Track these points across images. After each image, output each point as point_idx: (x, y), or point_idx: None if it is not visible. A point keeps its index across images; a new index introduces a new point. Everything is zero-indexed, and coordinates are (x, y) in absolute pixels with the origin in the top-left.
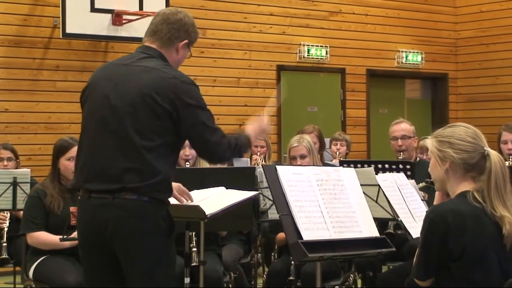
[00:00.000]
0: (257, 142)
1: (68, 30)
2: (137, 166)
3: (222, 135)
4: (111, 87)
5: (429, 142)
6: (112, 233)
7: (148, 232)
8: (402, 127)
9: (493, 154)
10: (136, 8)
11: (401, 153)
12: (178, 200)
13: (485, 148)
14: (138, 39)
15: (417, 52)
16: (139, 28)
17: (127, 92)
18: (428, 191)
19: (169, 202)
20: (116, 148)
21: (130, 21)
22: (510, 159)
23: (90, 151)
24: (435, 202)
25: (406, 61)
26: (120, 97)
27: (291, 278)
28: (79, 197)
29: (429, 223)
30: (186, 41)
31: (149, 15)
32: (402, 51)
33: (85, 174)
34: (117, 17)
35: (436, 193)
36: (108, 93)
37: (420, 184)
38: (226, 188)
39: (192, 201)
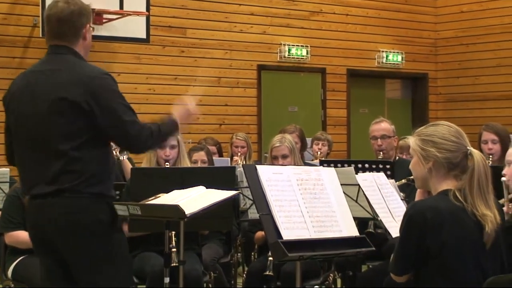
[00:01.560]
0: (238, 143)
1: None
2: (66, 168)
3: (141, 126)
4: (29, 97)
5: (412, 140)
6: (54, 233)
7: (89, 227)
8: (382, 126)
9: (476, 153)
10: (116, 7)
11: (381, 153)
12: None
13: (468, 147)
14: (118, 39)
15: (397, 52)
16: (119, 28)
17: (43, 99)
18: (408, 188)
19: (111, 195)
20: (43, 155)
21: (110, 20)
22: (490, 159)
23: (24, 161)
24: (416, 199)
25: (386, 61)
26: (38, 105)
27: (267, 273)
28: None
29: (408, 218)
30: (88, 24)
31: (130, 14)
32: (383, 51)
33: (25, 184)
34: (97, 16)
35: (418, 190)
36: (27, 103)
37: (399, 181)
38: (206, 188)
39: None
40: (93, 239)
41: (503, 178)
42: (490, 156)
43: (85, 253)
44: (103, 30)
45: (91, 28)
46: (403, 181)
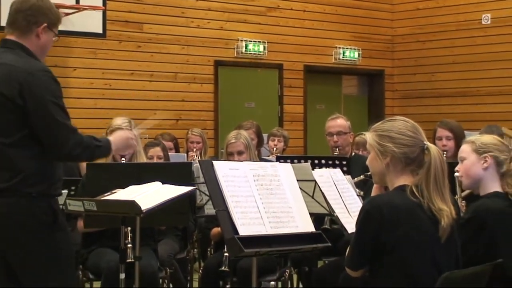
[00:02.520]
0: (193, 138)
1: (3, 23)
2: (1, 165)
3: (72, 130)
4: None
5: (369, 136)
6: None
7: (28, 228)
8: (338, 123)
9: (433, 148)
10: (73, 2)
11: (337, 149)
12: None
13: (424, 142)
14: (74, 33)
15: (354, 49)
16: (75, 22)
17: None
18: (365, 186)
19: (54, 194)
20: None
21: (66, 14)
22: (445, 155)
23: None
24: (372, 194)
25: (343, 57)
26: None
27: (223, 269)
28: None
29: (364, 214)
30: (45, 24)
31: (86, 9)
32: (339, 48)
33: None
34: None
35: (374, 186)
36: None
37: (357, 178)
38: (163, 183)
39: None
40: (33, 241)
41: (456, 174)
42: (445, 153)
43: (26, 255)
44: None
45: (53, 35)
46: (361, 177)
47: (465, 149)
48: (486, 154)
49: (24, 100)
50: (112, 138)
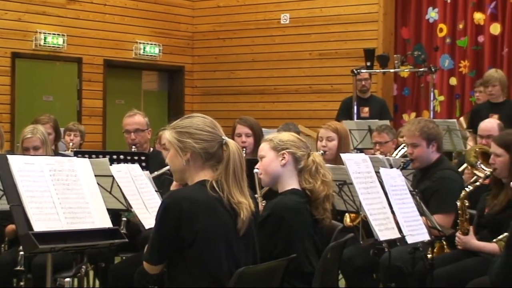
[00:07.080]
0: None
1: None
2: None
3: None
4: None
5: (168, 133)
6: None
7: None
8: (136, 120)
9: (231, 142)
10: None
11: (135, 146)
12: None
13: (223, 137)
14: None
15: (154, 44)
16: None
17: None
18: (163, 182)
19: None
20: None
21: None
22: (244, 152)
23: None
24: (171, 189)
25: (143, 52)
26: None
27: (18, 268)
28: None
29: (164, 208)
30: None
31: None
32: (140, 43)
33: None
34: None
35: (173, 183)
36: None
37: (157, 172)
38: None
39: None
40: None
41: (255, 170)
42: (244, 149)
43: None
44: None
45: None
46: (161, 171)
47: (264, 147)
48: (283, 151)
49: None
50: None
